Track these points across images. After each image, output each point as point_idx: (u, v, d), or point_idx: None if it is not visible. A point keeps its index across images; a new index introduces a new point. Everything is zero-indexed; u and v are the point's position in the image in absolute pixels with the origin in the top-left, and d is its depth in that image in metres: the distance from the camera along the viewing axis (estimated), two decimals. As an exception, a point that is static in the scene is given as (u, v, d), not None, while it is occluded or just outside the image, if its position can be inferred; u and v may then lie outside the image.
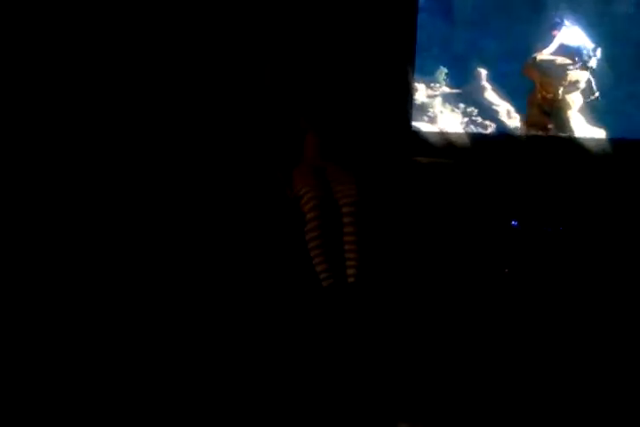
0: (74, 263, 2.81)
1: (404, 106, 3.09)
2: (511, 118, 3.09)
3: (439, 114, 3.14)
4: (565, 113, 3.02)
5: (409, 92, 3.08)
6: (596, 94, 2.96)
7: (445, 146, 3.07)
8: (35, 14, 2.90)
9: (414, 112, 3.14)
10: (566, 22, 2.96)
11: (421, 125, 3.15)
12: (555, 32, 2.98)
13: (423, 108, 3.15)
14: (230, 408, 1.92)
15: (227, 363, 2.24)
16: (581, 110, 3.01)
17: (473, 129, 3.12)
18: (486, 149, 3.05)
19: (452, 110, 3.14)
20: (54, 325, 2.48)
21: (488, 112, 3.11)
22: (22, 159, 2.90)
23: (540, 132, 3.04)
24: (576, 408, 1.96)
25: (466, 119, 3.13)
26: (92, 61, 2.97)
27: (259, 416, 1.88)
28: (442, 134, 3.09)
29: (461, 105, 3.15)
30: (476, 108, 3.13)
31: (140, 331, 2.49)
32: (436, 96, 3.14)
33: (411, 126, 3.09)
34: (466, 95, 3.13)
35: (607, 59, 2.92)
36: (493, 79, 3.08)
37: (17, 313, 2.52)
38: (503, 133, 3.08)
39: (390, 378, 2.12)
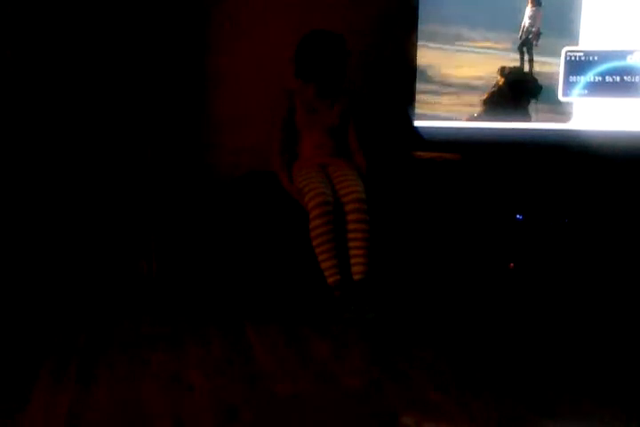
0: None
1: (407, 101, 3.07)
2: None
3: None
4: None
5: (411, 87, 3.05)
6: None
7: (448, 140, 3.05)
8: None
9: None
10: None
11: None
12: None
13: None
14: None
15: (226, 362, 2.24)
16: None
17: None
18: (489, 142, 3.03)
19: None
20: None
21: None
22: None
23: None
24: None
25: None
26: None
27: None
28: (444, 129, 3.07)
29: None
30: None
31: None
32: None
33: (413, 121, 3.06)
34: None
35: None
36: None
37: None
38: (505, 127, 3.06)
39: (393, 376, 2.12)
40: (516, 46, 3.00)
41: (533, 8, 2.98)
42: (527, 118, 3.04)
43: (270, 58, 3.18)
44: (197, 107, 3.22)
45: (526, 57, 3.00)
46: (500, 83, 3.01)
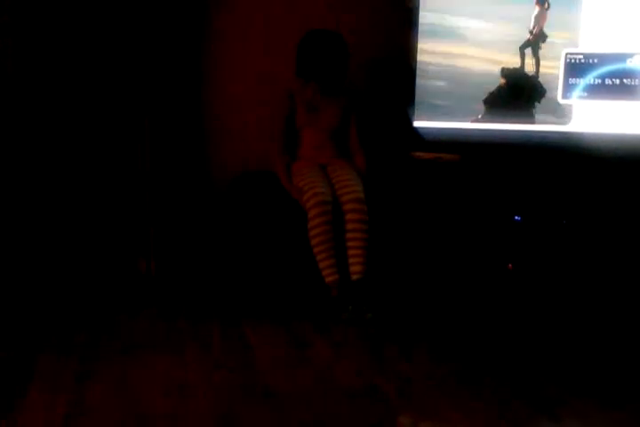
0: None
1: (406, 101, 3.07)
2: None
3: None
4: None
5: (411, 87, 3.05)
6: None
7: (447, 141, 3.05)
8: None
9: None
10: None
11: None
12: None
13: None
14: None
15: (225, 361, 2.24)
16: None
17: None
18: (488, 143, 3.03)
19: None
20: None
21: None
22: None
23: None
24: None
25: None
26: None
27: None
28: (444, 130, 3.07)
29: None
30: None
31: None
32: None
33: (412, 122, 3.06)
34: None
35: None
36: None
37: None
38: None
39: (391, 376, 2.12)
40: (518, 47, 3.00)
41: (539, 8, 2.98)
42: (527, 120, 3.04)
43: (270, 57, 3.18)
44: (196, 106, 3.22)
45: (531, 58, 3.00)
46: (501, 84, 3.01)
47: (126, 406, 1.87)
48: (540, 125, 3.03)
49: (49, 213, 3.03)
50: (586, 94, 2.97)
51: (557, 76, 2.98)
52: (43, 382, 2.02)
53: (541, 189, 2.98)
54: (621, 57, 2.92)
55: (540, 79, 3.01)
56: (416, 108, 3.05)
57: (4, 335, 2.42)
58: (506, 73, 3.01)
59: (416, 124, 3.07)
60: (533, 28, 2.98)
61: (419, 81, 3.04)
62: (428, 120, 3.07)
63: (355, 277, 2.68)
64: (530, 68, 3.00)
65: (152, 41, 3.06)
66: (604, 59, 2.94)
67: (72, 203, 3.07)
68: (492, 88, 3.02)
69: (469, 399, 1.96)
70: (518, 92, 3.02)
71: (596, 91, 2.96)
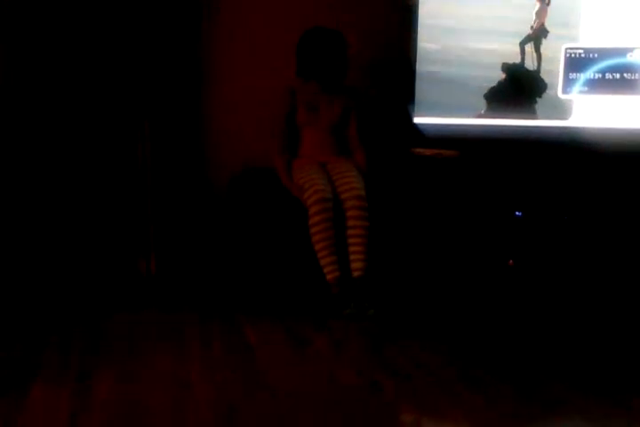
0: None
1: (406, 98, 3.06)
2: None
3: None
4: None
5: (411, 84, 3.04)
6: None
7: (447, 137, 3.04)
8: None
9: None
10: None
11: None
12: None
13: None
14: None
15: (226, 359, 2.24)
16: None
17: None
18: (488, 139, 3.02)
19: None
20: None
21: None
22: None
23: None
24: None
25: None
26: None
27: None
28: (443, 126, 3.06)
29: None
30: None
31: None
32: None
33: (412, 118, 3.06)
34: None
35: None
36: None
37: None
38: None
39: (392, 374, 2.12)
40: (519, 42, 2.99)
41: (539, 4, 2.97)
42: (528, 115, 3.03)
43: (269, 57, 3.17)
44: (195, 106, 3.21)
45: (532, 54, 2.98)
46: (502, 79, 3.00)
47: (128, 406, 1.87)
48: (540, 121, 3.02)
49: (50, 214, 3.04)
50: (586, 89, 2.96)
51: (557, 70, 2.97)
52: (45, 382, 2.01)
53: (542, 184, 2.97)
54: (621, 51, 2.91)
55: (541, 74, 3.00)
56: (416, 104, 3.05)
57: (6, 335, 2.42)
58: (506, 68, 3.00)
59: (416, 120, 3.07)
60: (534, 23, 2.97)
61: (418, 78, 3.04)
62: (427, 116, 3.07)
63: (356, 273, 2.68)
64: (530, 63, 2.99)
65: (150, 42, 3.06)
66: (604, 53, 2.93)
67: (72, 203, 3.07)
68: (494, 83, 3.02)
69: (470, 397, 1.95)
70: (519, 87, 3.01)
71: (597, 85, 2.95)
